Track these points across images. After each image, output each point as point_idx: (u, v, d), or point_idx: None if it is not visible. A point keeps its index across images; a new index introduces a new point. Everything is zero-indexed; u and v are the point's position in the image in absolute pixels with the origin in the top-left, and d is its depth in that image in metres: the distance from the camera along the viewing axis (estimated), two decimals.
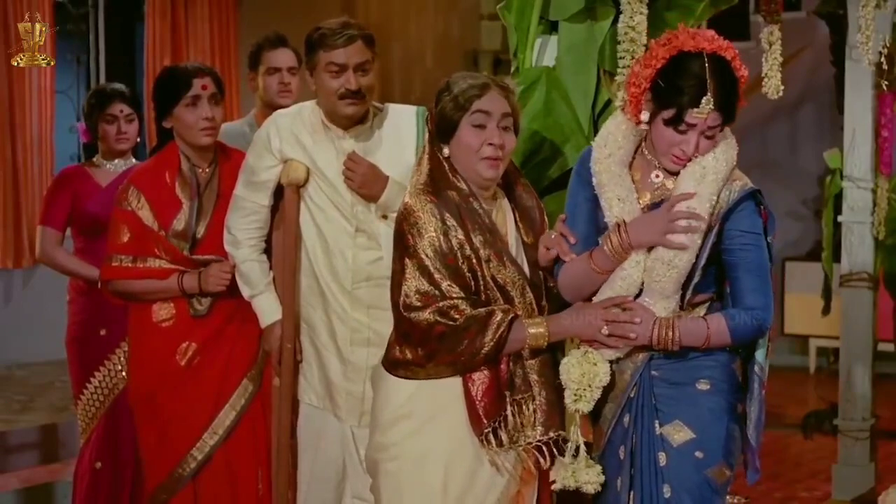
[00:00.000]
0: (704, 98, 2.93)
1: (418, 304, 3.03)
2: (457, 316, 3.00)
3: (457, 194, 3.09)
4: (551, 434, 3.06)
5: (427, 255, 3.03)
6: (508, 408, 3.04)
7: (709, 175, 3.00)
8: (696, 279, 3.04)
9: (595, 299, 3.09)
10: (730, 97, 2.97)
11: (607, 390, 3.08)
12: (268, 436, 3.87)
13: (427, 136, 3.18)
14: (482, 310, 3.02)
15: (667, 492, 3.04)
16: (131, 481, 4.54)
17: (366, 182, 3.57)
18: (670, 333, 3.00)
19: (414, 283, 3.04)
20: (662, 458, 3.06)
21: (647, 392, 3.08)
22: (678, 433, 3.06)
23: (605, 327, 3.02)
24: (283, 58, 4.60)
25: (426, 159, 3.14)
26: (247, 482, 3.90)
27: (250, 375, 3.91)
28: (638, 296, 3.06)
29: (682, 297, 3.06)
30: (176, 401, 3.86)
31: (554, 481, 3.12)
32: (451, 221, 3.05)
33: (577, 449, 3.08)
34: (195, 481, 3.87)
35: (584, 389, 3.04)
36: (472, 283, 3.05)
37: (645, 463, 3.06)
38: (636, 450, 3.08)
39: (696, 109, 2.94)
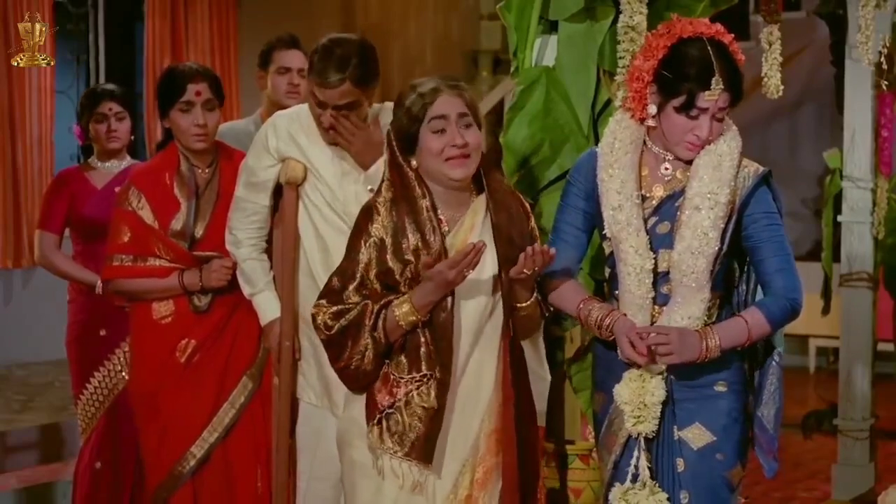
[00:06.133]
0: (714, 79, 2.93)
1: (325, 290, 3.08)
2: (335, 323, 3.02)
3: (415, 204, 3.04)
4: (410, 458, 3.01)
5: (360, 260, 3.04)
6: (402, 389, 3.01)
7: (724, 161, 3.01)
8: (716, 268, 3.01)
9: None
10: (736, 77, 2.98)
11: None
12: (267, 434, 3.87)
13: (388, 154, 3.10)
14: (354, 311, 3.02)
15: (684, 498, 3.04)
16: (131, 481, 4.54)
17: (364, 146, 3.54)
18: (712, 342, 2.96)
19: (337, 273, 3.08)
20: (680, 464, 3.05)
21: (667, 397, 3.04)
22: (699, 436, 3.05)
23: (454, 272, 2.90)
24: (294, 59, 4.60)
25: (387, 174, 3.09)
26: (246, 481, 3.90)
27: (250, 373, 3.91)
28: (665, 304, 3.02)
29: None
30: (176, 398, 3.86)
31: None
32: (399, 227, 3.03)
33: (637, 476, 3.03)
34: (194, 479, 3.87)
35: (641, 409, 3.00)
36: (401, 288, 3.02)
37: (664, 469, 3.05)
38: (654, 456, 3.06)
39: (707, 92, 2.94)
